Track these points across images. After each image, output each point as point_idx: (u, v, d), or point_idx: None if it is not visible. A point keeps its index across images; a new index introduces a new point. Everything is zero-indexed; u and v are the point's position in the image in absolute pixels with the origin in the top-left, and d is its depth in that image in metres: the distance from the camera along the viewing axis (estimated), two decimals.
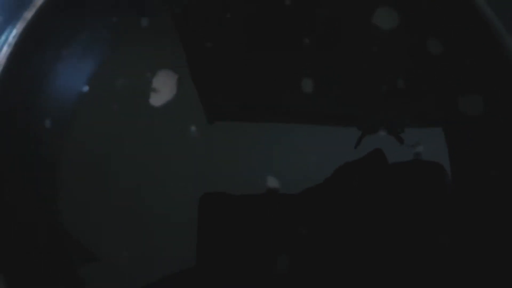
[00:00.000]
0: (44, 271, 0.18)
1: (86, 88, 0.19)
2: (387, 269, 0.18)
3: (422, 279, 0.18)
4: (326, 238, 0.18)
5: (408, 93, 0.18)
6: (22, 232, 0.18)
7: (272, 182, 0.18)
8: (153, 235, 0.18)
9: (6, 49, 0.18)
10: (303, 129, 0.19)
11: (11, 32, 0.18)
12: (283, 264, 0.18)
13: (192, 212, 0.18)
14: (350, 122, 0.19)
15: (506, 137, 0.18)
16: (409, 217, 0.18)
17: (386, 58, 0.18)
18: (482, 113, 0.17)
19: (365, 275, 0.18)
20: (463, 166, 0.18)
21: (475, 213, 0.18)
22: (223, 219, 0.18)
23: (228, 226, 0.18)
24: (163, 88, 0.19)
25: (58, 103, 0.19)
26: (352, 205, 0.18)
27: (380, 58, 0.18)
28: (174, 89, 0.19)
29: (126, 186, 0.19)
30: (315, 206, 0.18)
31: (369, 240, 0.18)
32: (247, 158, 0.18)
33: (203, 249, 0.18)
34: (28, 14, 0.18)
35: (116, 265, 0.18)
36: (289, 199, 0.18)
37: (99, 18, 0.19)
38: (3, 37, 0.18)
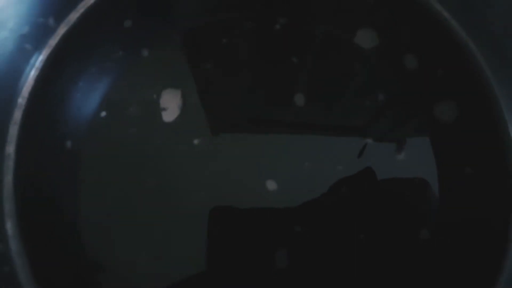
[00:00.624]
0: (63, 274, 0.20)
1: (103, 113, 0.21)
2: (375, 260, 0.20)
3: (406, 270, 0.20)
4: (321, 239, 0.20)
5: (388, 104, 0.20)
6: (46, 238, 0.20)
7: (271, 185, 0.20)
8: (167, 240, 0.20)
9: (33, 73, 0.20)
10: (297, 138, 0.21)
11: (38, 57, 0.20)
12: (282, 260, 0.20)
13: (203, 220, 0.20)
14: (343, 132, 0.21)
15: (478, 138, 0.20)
16: (395, 217, 0.20)
17: (368, 74, 0.20)
18: (457, 117, 0.19)
19: (358, 268, 0.20)
20: (442, 165, 0.20)
21: (452, 207, 0.20)
22: (230, 229, 0.20)
23: (234, 234, 0.20)
24: (171, 105, 0.21)
25: (77, 126, 0.21)
26: (345, 212, 0.20)
27: (363, 74, 0.20)
28: (180, 104, 0.21)
29: (142, 197, 0.20)
30: (313, 214, 0.20)
31: (360, 239, 0.20)
32: (249, 164, 0.20)
33: (213, 254, 0.20)
34: (53, 42, 0.21)
35: (133, 271, 0.20)
36: (289, 210, 0.20)
37: (108, 52, 0.21)
38: (32, 62, 0.20)
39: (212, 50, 0.21)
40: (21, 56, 0.20)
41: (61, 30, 0.21)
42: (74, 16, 0.21)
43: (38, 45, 0.20)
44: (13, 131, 0.20)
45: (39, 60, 0.20)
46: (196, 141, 0.21)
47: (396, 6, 0.20)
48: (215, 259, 0.20)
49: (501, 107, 0.19)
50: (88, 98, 0.21)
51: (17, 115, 0.20)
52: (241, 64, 0.21)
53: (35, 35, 0.20)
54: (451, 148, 0.20)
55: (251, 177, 0.20)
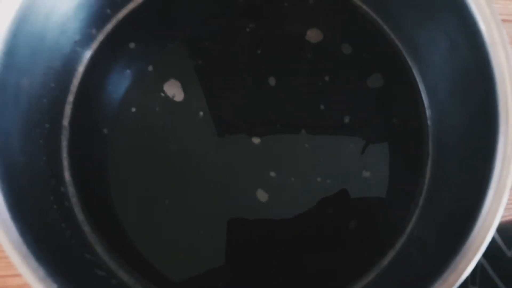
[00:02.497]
0: None
1: (134, 109, 0.29)
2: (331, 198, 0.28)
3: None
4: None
5: (333, 83, 0.28)
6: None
7: (256, 140, 0.28)
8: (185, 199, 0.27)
9: (81, 68, 0.29)
10: (275, 103, 0.29)
11: (84, 57, 0.29)
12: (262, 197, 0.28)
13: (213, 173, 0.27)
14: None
15: (398, 97, 0.28)
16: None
17: (316, 62, 0.28)
18: (383, 84, 0.27)
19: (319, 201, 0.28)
20: (376, 118, 0.28)
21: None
22: (246, 237, 0.27)
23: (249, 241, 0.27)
24: (175, 92, 0.29)
25: (112, 116, 0.28)
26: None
27: (312, 62, 0.28)
28: (181, 89, 0.29)
29: (165, 160, 0.28)
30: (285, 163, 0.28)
31: (317, 181, 0.28)
32: (237, 125, 0.28)
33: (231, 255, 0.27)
34: (94, 46, 0.29)
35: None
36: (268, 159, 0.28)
37: (125, 65, 0.29)
38: (80, 60, 0.29)
39: (198, 50, 0.29)
40: (73, 56, 0.28)
41: (100, 37, 0.29)
42: (108, 27, 0.29)
43: (84, 48, 0.28)
44: (68, 109, 0.28)
45: (85, 58, 0.29)
46: (201, 113, 0.29)
47: (333, 11, 0.28)
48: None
49: (413, 74, 0.27)
50: (119, 94, 0.29)
51: (70, 98, 0.28)
52: (223, 58, 0.29)
53: (83, 41, 0.28)
54: (380, 105, 0.28)
55: (239, 134, 0.28)
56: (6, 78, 0.22)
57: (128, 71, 0.29)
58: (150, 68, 0.29)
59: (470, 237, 0.20)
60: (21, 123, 0.24)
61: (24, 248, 0.20)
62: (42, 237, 0.22)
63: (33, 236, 0.21)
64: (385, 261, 0.27)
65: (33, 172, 0.24)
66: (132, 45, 0.29)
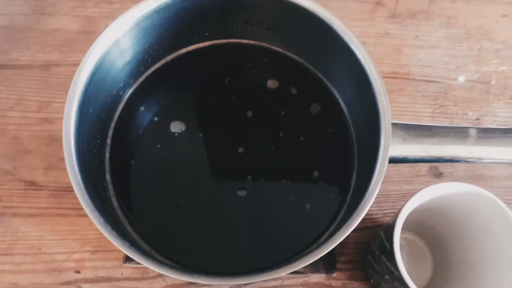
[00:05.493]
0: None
1: (158, 145, 0.43)
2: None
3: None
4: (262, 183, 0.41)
5: (287, 115, 0.42)
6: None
7: (240, 149, 0.41)
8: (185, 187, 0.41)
9: (121, 105, 0.43)
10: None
11: (124, 97, 0.43)
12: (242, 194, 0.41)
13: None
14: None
15: (332, 117, 0.42)
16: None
17: (275, 101, 0.43)
18: (319, 110, 0.42)
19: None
20: (316, 133, 0.42)
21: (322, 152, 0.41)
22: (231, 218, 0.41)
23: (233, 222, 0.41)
24: (181, 127, 0.43)
25: (139, 150, 0.43)
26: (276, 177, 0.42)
27: (271, 102, 0.43)
28: (183, 123, 0.43)
29: (176, 164, 0.42)
30: (260, 166, 0.42)
31: (283, 183, 0.41)
32: (226, 138, 0.42)
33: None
34: (131, 91, 0.44)
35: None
36: (246, 163, 0.42)
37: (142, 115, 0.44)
38: (122, 100, 0.43)
39: (193, 98, 0.44)
40: (118, 96, 0.42)
41: (135, 85, 0.44)
42: (141, 79, 0.44)
43: (125, 92, 0.43)
44: (110, 132, 0.42)
45: (124, 99, 0.43)
46: (200, 135, 0.43)
47: (282, 66, 0.43)
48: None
49: (338, 101, 0.42)
50: (138, 131, 0.43)
51: (112, 124, 0.42)
52: (212, 102, 0.44)
53: (124, 87, 0.42)
54: (318, 123, 0.42)
55: (227, 146, 0.42)
56: (82, 107, 0.36)
57: (144, 118, 0.44)
58: (156, 119, 0.44)
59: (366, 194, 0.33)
60: (87, 136, 0.37)
61: (91, 206, 0.32)
62: (99, 206, 0.34)
63: (94, 201, 0.33)
64: (324, 236, 0.40)
65: (91, 167, 0.37)
66: (142, 108, 0.44)
